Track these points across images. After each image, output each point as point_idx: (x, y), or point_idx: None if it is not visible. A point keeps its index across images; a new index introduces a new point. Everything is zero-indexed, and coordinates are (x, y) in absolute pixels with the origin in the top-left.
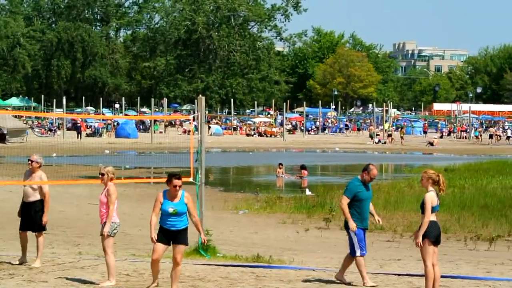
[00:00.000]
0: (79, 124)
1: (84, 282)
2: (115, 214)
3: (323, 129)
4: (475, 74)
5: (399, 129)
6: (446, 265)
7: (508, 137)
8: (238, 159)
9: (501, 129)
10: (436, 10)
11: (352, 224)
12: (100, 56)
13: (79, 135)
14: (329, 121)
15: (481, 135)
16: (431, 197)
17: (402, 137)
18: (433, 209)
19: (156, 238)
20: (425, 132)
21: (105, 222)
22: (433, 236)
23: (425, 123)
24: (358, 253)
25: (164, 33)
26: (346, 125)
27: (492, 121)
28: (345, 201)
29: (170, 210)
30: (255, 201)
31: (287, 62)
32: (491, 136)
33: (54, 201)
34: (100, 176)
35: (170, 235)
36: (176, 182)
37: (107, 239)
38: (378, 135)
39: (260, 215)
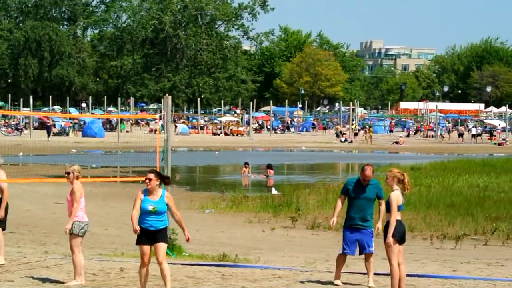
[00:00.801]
0: (49, 124)
1: (51, 281)
2: (84, 213)
3: (289, 128)
4: (442, 73)
5: (367, 128)
6: (412, 263)
7: (473, 136)
8: (205, 159)
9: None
10: (403, 9)
11: (330, 220)
12: (67, 55)
13: (49, 134)
14: (295, 120)
15: (449, 134)
16: (396, 196)
17: (371, 136)
18: (398, 208)
19: (139, 230)
20: (391, 131)
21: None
22: (398, 235)
23: (391, 122)
24: (340, 250)
25: (131, 32)
26: (313, 124)
27: (459, 120)
28: (339, 197)
29: (150, 208)
30: (221, 200)
31: (254, 61)
32: (460, 135)
33: (20, 200)
34: (66, 175)
35: (150, 235)
36: (149, 175)
37: (75, 238)
38: (345, 134)
39: (226, 214)
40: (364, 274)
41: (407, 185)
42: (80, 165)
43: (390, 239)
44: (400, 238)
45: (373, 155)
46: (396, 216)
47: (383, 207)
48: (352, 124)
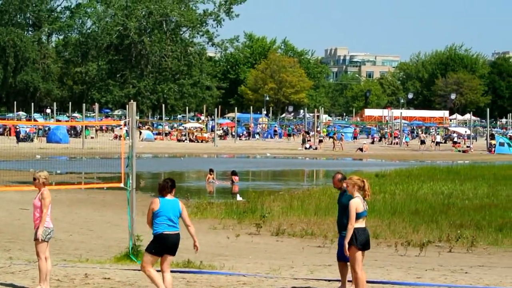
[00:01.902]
0: (18, 130)
1: (15, 287)
2: (49, 219)
3: (253, 135)
4: (407, 80)
5: (333, 135)
6: (377, 270)
7: (437, 143)
8: (169, 165)
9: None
10: (367, 16)
11: None
12: (32, 61)
13: (18, 139)
14: (260, 126)
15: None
16: (355, 204)
17: (341, 144)
18: (360, 215)
19: None
20: (355, 138)
21: (39, 227)
22: (360, 243)
23: (355, 129)
24: None
25: (96, 38)
26: (275, 131)
27: (424, 127)
28: None
29: None
30: (185, 207)
31: (218, 68)
32: (422, 142)
33: None
34: (33, 180)
35: None
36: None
37: (40, 244)
38: (309, 140)
39: (191, 221)
40: (330, 281)
41: (367, 191)
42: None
43: (346, 247)
44: (362, 246)
45: (337, 162)
46: (353, 224)
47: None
48: (319, 131)
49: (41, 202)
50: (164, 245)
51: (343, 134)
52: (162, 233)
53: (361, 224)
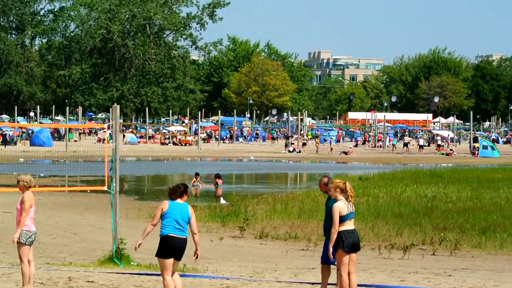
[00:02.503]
0: (4, 133)
1: None
2: (31, 223)
3: (237, 138)
4: (390, 83)
5: (316, 138)
6: (360, 273)
7: (420, 146)
8: (153, 168)
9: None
10: (351, 19)
11: None
12: (15, 65)
13: (5, 143)
14: (244, 130)
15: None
16: (338, 207)
17: (331, 147)
18: (346, 217)
19: None
20: (338, 141)
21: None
22: (347, 245)
23: (338, 132)
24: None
25: (79, 41)
26: (256, 134)
27: (407, 130)
28: None
29: None
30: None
31: (202, 71)
32: (405, 145)
33: None
34: (17, 183)
35: None
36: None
37: (22, 247)
38: (293, 143)
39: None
40: (314, 284)
41: (350, 193)
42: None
43: (330, 251)
44: (349, 249)
45: (320, 165)
46: (336, 228)
47: None
48: (302, 134)
49: (21, 205)
50: (168, 248)
51: (332, 137)
52: (167, 234)
53: (348, 226)
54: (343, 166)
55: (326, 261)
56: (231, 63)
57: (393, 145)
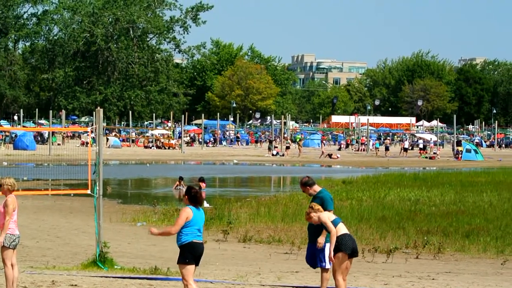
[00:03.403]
0: None
1: None
2: (15, 226)
3: (220, 141)
4: (374, 86)
5: (298, 141)
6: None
7: (405, 149)
8: (136, 172)
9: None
10: (334, 22)
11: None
12: None
13: None
14: (227, 133)
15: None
16: (327, 215)
17: (322, 151)
18: (335, 222)
19: None
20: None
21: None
22: (348, 248)
23: (323, 135)
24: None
25: (62, 45)
26: (237, 137)
27: (390, 133)
28: None
29: None
30: (153, 213)
31: (185, 74)
32: (387, 148)
33: None
34: (0, 187)
35: None
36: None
37: (6, 251)
38: (276, 147)
39: (158, 227)
40: (297, 287)
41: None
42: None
43: (331, 254)
44: (350, 251)
45: (304, 168)
46: (334, 232)
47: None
48: (286, 137)
49: (4, 209)
50: (194, 254)
51: (324, 142)
52: (192, 241)
53: (344, 230)
54: (327, 169)
55: (311, 264)
56: (215, 66)
57: (376, 148)
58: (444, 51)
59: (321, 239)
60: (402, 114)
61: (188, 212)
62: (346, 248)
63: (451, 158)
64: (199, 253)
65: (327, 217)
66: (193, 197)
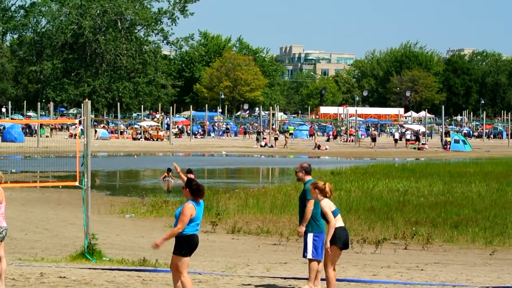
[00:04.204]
0: None
1: None
2: (2, 218)
3: (210, 133)
4: (362, 77)
5: (285, 132)
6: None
7: (395, 140)
8: (125, 163)
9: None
10: (323, 14)
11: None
12: None
13: None
14: (216, 124)
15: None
16: (327, 204)
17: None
18: (334, 213)
19: None
20: (311, 135)
21: None
22: (341, 242)
23: (311, 127)
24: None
25: (50, 37)
26: (227, 128)
27: (379, 124)
28: None
29: None
30: (141, 205)
31: (174, 66)
32: (373, 139)
33: None
34: None
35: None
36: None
37: None
38: (265, 138)
39: (146, 219)
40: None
41: (329, 194)
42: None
43: (328, 245)
44: (342, 245)
45: (293, 159)
46: (333, 222)
47: (307, 207)
48: (274, 129)
49: None
50: (193, 247)
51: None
52: (194, 234)
53: (339, 223)
54: (315, 160)
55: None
56: (203, 58)
57: (358, 139)
58: (432, 42)
59: (301, 228)
60: (390, 105)
61: (191, 208)
62: (339, 241)
63: (440, 149)
64: (195, 246)
65: (329, 206)
66: (196, 191)
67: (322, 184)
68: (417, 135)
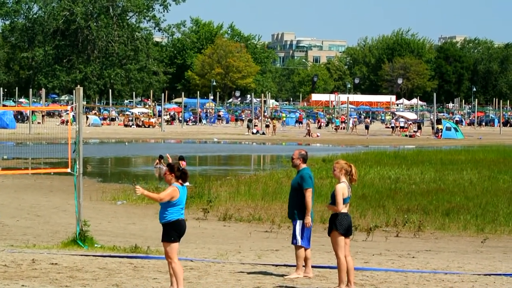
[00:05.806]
0: None
1: None
2: None
3: (201, 120)
4: (354, 65)
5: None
6: (324, 255)
7: (392, 128)
8: (117, 150)
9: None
10: (314, 0)
11: None
12: None
13: None
14: (207, 111)
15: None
16: (342, 189)
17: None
18: (344, 201)
19: None
20: (300, 122)
21: None
22: (343, 228)
23: (300, 114)
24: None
25: (42, 23)
26: (219, 115)
27: (370, 112)
28: None
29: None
30: (133, 192)
31: (165, 53)
32: (366, 127)
33: None
34: None
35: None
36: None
37: None
38: (256, 125)
39: (138, 206)
40: (277, 265)
41: (354, 176)
42: None
43: (307, 219)
44: (345, 232)
45: (284, 147)
46: (339, 207)
47: (306, 197)
48: (266, 116)
49: None
50: (181, 231)
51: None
52: (178, 219)
53: (344, 209)
54: (307, 148)
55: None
56: (194, 45)
57: (336, 125)
58: (424, 29)
59: (307, 219)
60: (382, 92)
61: (176, 191)
62: (341, 227)
63: (431, 137)
64: (183, 231)
65: (342, 191)
66: (182, 174)
67: (348, 165)
68: (419, 123)
